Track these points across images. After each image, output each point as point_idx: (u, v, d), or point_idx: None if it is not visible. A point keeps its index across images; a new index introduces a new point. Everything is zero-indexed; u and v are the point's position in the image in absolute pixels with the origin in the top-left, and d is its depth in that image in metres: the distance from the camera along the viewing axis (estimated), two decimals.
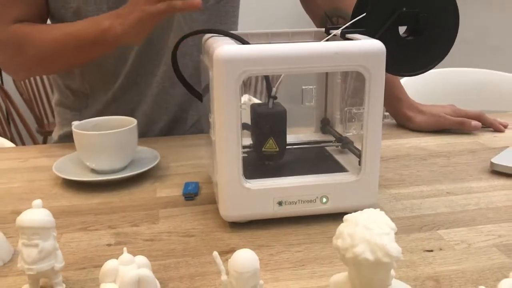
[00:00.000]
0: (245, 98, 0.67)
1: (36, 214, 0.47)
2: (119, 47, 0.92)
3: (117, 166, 0.77)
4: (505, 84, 1.41)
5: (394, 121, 1.04)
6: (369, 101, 0.59)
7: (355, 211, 0.44)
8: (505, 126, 0.99)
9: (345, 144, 0.71)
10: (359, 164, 0.62)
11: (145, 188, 0.74)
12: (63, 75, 1.01)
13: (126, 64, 0.95)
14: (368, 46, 0.58)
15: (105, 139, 0.74)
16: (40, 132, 2.98)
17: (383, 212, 0.42)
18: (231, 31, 0.64)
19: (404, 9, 0.65)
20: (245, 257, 0.42)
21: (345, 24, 0.66)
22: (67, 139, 1.01)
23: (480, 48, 2.59)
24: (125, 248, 0.49)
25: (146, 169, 0.76)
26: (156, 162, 0.79)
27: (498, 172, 0.77)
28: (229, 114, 0.56)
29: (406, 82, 1.12)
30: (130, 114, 0.97)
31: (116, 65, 0.95)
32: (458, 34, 0.68)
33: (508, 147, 0.85)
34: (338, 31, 0.65)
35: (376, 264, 0.39)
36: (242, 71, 0.55)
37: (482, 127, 0.99)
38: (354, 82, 0.69)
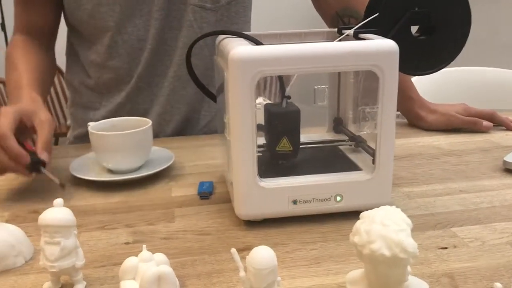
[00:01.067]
0: (259, 99, 0.68)
1: (58, 213, 0.48)
2: (130, 46, 0.94)
3: (133, 166, 0.78)
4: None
5: (405, 120, 1.05)
6: (383, 100, 0.59)
7: (369, 209, 0.44)
8: None
9: (359, 143, 0.71)
10: (373, 162, 0.63)
11: (161, 188, 0.75)
12: (80, 75, 1.02)
13: (139, 64, 0.97)
14: (381, 46, 0.58)
15: (121, 140, 0.75)
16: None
17: (399, 209, 0.42)
18: (245, 32, 0.65)
19: (416, 8, 0.65)
20: (263, 254, 0.43)
21: (356, 24, 0.66)
22: (82, 139, 1.03)
23: (490, 46, 2.58)
24: (144, 246, 0.50)
25: (161, 168, 0.78)
26: (171, 162, 0.80)
27: (510, 170, 0.77)
28: (244, 114, 0.57)
29: (417, 81, 1.12)
30: (144, 114, 0.98)
31: (130, 65, 0.97)
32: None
33: None
34: (351, 31, 0.65)
35: (393, 260, 0.40)
36: (257, 71, 0.56)
37: (494, 125, 0.99)
38: (367, 81, 0.70)
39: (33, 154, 0.71)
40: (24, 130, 0.73)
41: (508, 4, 2.63)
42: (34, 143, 0.74)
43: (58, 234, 0.48)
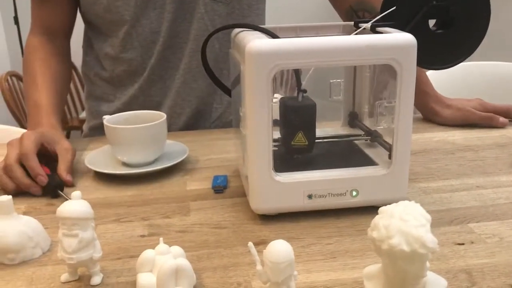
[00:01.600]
0: (276, 95, 0.68)
1: (76, 205, 0.49)
2: (144, 39, 0.95)
3: (148, 159, 0.78)
4: None
5: (420, 115, 1.04)
6: (401, 94, 0.59)
7: (384, 204, 0.44)
8: None
9: (374, 137, 0.71)
10: (389, 157, 0.62)
11: (175, 181, 0.76)
12: (95, 67, 1.03)
13: (152, 57, 0.97)
14: (399, 40, 0.58)
15: (136, 133, 0.75)
16: (63, 127, 3.02)
17: (418, 204, 0.42)
18: (260, 26, 0.65)
19: (435, 2, 0.64)
20: (281, 248, 0.43)
21: (371, 18, 0.66)
22: (97, 131, 1.04)
23: (505, 40, 2.54)
24: (161, 238, 0.51)
25: (176, 162, 0.78)
26: (185, 156, 0.80)
27: None
28: (260, 108, 0.57)
29: (431, 75, 1.11)
30: (156, 107, 0.99)
31: (143, 57, 0.97)
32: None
33: None
34: (368, 25, 0.65)
35: (412, 255, 0.39)
36: (274, 64, 0.55)
37: (510, 121, 0.98)
38: (383, 75, 0.69)
39: (51, 177, 0.73)
40: (43, 154, 0.77)
41: None
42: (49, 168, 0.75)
43: (76, 226, 0.48)
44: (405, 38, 0.58)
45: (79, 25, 1.03)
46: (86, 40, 1.04)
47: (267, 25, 0.70)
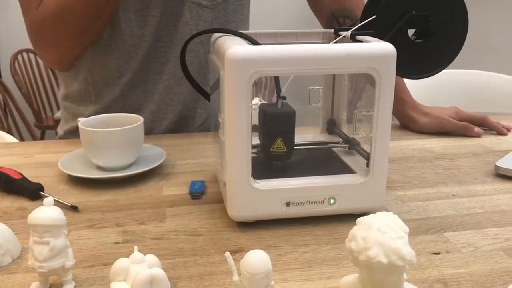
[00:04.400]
0: (255, 100, 0.67)
1: (48, 212, 0.47)
2: (123, 42, 0.93)
3: (123, 163, 0.77)
4: (506, 86, 1.42)
5: (397, 122, 1.05)
6: (379, 103, 0.59)
7: (362, 212, 0.44)
8: (508, 130, 1.00)
9: (352, 145, 0.71)
10: (367, 165, 0.62)
11: (152, 186, 0.74)
12: (72, 68, 1.01)
13: (133, 61, 0.95)
14: (379, 49, 0.58)
15: (112, 137, 0.74)
16: (38, 126, 2.97)
17: (396, 216, 0.42)
18: (241, 31, 0.64)
19: (414, 12, 0.65)
20: (258, 258, 0.42)
21: (352, 25, 0.66)
22: (73, 134, 1.01)
23: (479, 49, 2.60)
24: (136, 247, 0.50)
25: (152, 166, 0.77)
26: (162, 160, 0.79)
27: (502, 175, 0.78)
28: (239, 114, 0.56)
29: (408, 83, 1.12)
30: (138, 111, 0.97)
31: (122, 61, 0.95)
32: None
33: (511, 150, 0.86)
34: (348, 33, 0.65)
35: (389, 267, 0.39)
36: (254, 71, 0.55)
37: (485, 129, 0.99)
38: (362, 83, 0.69)
39: (26, 180, 0.72)
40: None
41: (496, 8, 2.65)
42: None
43: (48, 233, 0.47)
44: (385, 48, 0.58)
45: None
46: None
47: (247, 30, 0.70)
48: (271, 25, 0.91)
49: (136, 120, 0.77)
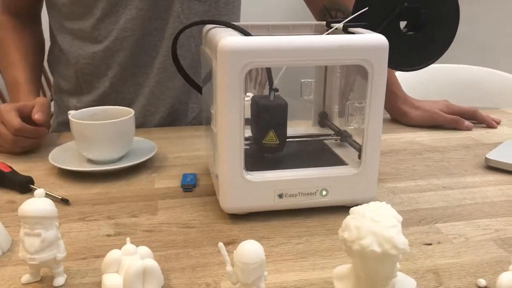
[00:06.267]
0: (249, 93, 0.67)
1: (39, 204, 0.47)
2: (110, 34, 0.93)
3: (114, 156, 0.76)
4: (495, 81, 1.43)
5: (388, 116, 1.05)
6: (371, 95, 0.59)
7: (354, 204, 0.44)
8: (498, 123, 1.00)
9: (344, 137, 0.71)
10: (359, 157, 0.62)
11: (143, 179, 0.74)
12: (63, 61, 1.00)
13: (120, 54, 0.95)
14: (371, 40, 0.58)
15: (102, 129, 0.73)
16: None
17: (389, 205, 0.42)
18: (233, 23, 0.64)
19: (406, 4, 0.65)
20: (251, 249, 0.42)
21: (344, 17, 0.66)
22: (66, 126, 1.01)
23: (469, 44, 2.61)
24: (128, 239, 0.49)
25: (143, 159, 0.76)
26: (153, 153, 0.78)
27: (492, 167, 0.78)
28: (232, 106, 0.56)
29: (399, 76, 1.13)
30: (129, 104, 0.97)
31: (105, 54, 0.95)
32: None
33: (501, 143, 0.86)
34: (340, 25, 0.65)
35: (383, 256, 0.39)
36: (246, 62, 0.55)
37: (475, 123, 1.00)
38: (354, 76, 0.69)
39: (15, 173, 0.71)
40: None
41: (487, 3, 2.67)
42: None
43: (39, 225, 0.47)
44: (378, 39, 0.58)
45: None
46: (52, 32, 1.01)
47: (240, 22, 0.69)
48: (264, 18, 0.90)
49: (127, 113, 0.76)
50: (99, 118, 0.76)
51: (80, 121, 0.74)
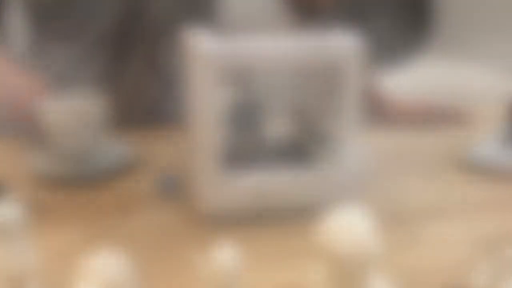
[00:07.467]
0: (225, 92, 0.67)
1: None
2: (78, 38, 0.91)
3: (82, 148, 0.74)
4: (478, 78, 1.44)
5: (367, 116, 1.05)
6: (346, 97, 0.59)
7: (333, 206, 0.44)
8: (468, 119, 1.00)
9: (323, 140, 0.71)
10: (339, 160, 0.62)
11: (118, 182, 0.72)
12: None
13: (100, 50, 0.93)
14: (343, 43, 0.58)
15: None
16: None
17: (364, 208, 0.42)
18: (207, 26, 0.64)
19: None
20: (230, 253, 0.42)
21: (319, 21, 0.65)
22: None
23: (452, 42, 2.64)
24: (102, 246, 0.48)
25: (118, 162, 0.74)
26: (128, 156, 0.77)
27: (472, 166, 0.78)
28: (209, 107, 0.56)
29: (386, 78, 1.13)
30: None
31: (85, 50, 0.93)
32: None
33: (480, 142, 0.87)
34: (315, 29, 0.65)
35: (358, 259, 0.39)
36: (221, 65, 0.54)
37: (456, 121, 1.00)
38: (329, 80, 0.69)
39: None
40: None
41: None
42: None
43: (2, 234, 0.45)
44: (350, 43, 0.58)
45: None
46: None
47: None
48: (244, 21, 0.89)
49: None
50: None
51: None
